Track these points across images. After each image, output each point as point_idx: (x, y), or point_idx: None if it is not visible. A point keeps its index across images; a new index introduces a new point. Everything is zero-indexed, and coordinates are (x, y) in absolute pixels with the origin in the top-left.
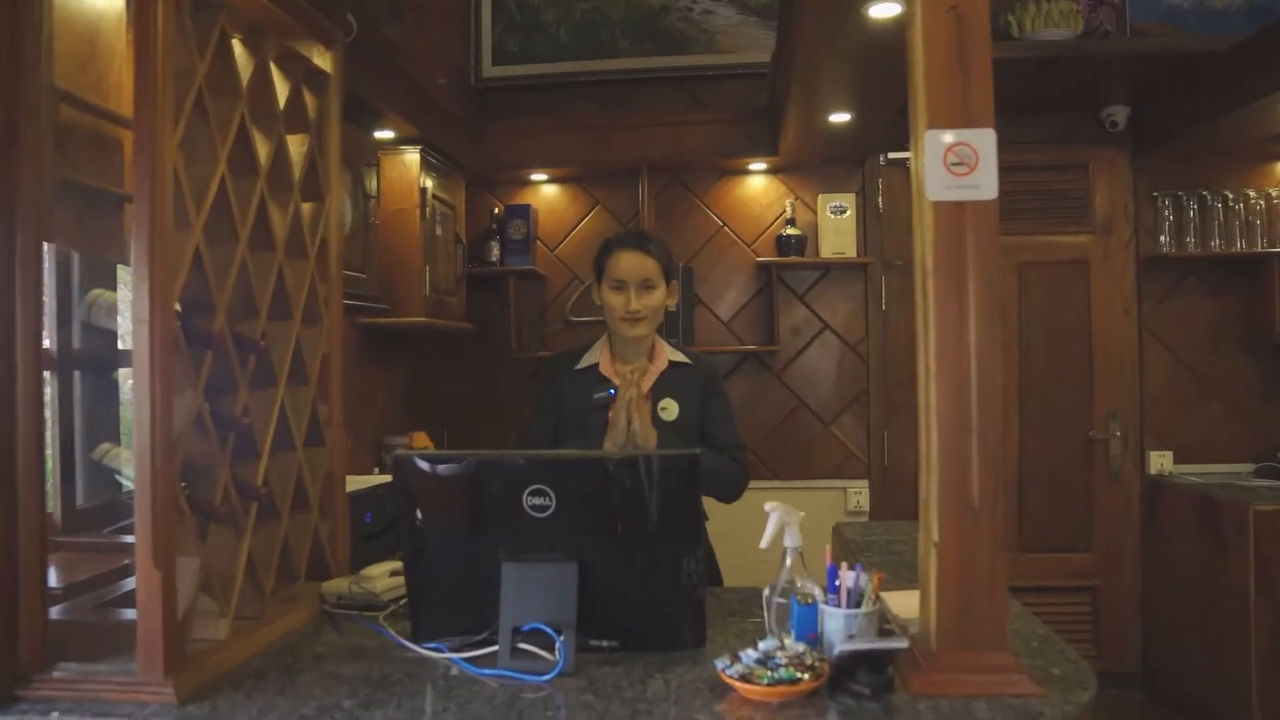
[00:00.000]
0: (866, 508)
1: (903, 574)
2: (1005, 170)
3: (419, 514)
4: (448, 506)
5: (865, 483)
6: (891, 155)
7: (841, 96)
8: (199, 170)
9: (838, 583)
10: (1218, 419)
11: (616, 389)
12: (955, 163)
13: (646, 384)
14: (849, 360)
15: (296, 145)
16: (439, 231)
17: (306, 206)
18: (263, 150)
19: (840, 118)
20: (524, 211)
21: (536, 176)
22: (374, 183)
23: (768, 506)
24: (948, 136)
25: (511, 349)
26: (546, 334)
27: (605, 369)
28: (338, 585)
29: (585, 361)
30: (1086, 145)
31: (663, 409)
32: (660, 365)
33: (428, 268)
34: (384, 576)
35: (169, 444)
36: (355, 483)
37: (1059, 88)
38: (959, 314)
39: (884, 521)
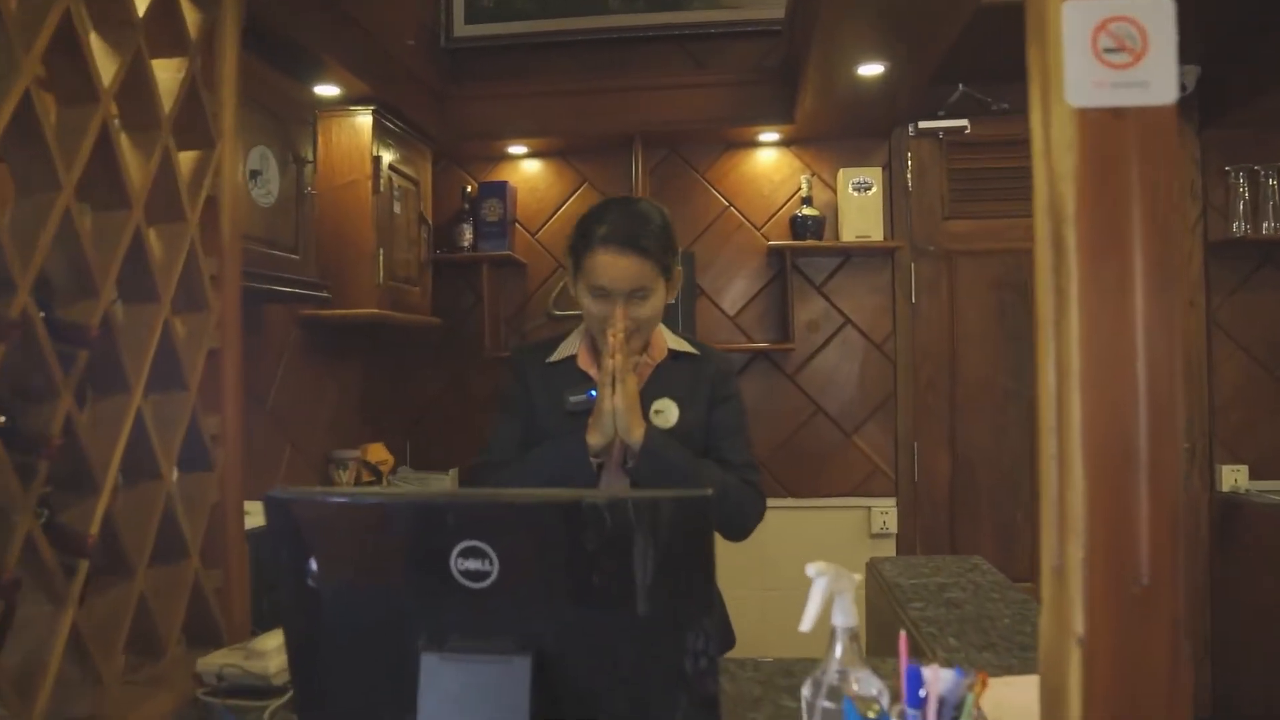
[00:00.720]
0: (894, 529)
1: (968, 637)
2: None
3: (313, 569)
4: (339, 571)
5: (893, 501)
6: (922, 124)
7: (873, 41)
8: None
9: (923, 692)
10: None
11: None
12: (1111, 48)
13: (639, 379)
14: (874, 360)
15: (169, 71)
16: (397, 210)
17: (187, 156)
18: (106, 69)
19: (871, 70)
20: (500, 189)
21: (514, 150)
22: (309, 147)
23: (811, 570)
24: (1099, 9)
25: (485, 347)
26: (526, 330)
27: (584, 362)
28: (217, 661)
29: (560, 353)
30: None
31: (657, 413)
32: (657, 355)
33: (381, 251)
34: (281, 650)
35: None
36: None
37: None
38: (1120, 282)
39: (931, 557)
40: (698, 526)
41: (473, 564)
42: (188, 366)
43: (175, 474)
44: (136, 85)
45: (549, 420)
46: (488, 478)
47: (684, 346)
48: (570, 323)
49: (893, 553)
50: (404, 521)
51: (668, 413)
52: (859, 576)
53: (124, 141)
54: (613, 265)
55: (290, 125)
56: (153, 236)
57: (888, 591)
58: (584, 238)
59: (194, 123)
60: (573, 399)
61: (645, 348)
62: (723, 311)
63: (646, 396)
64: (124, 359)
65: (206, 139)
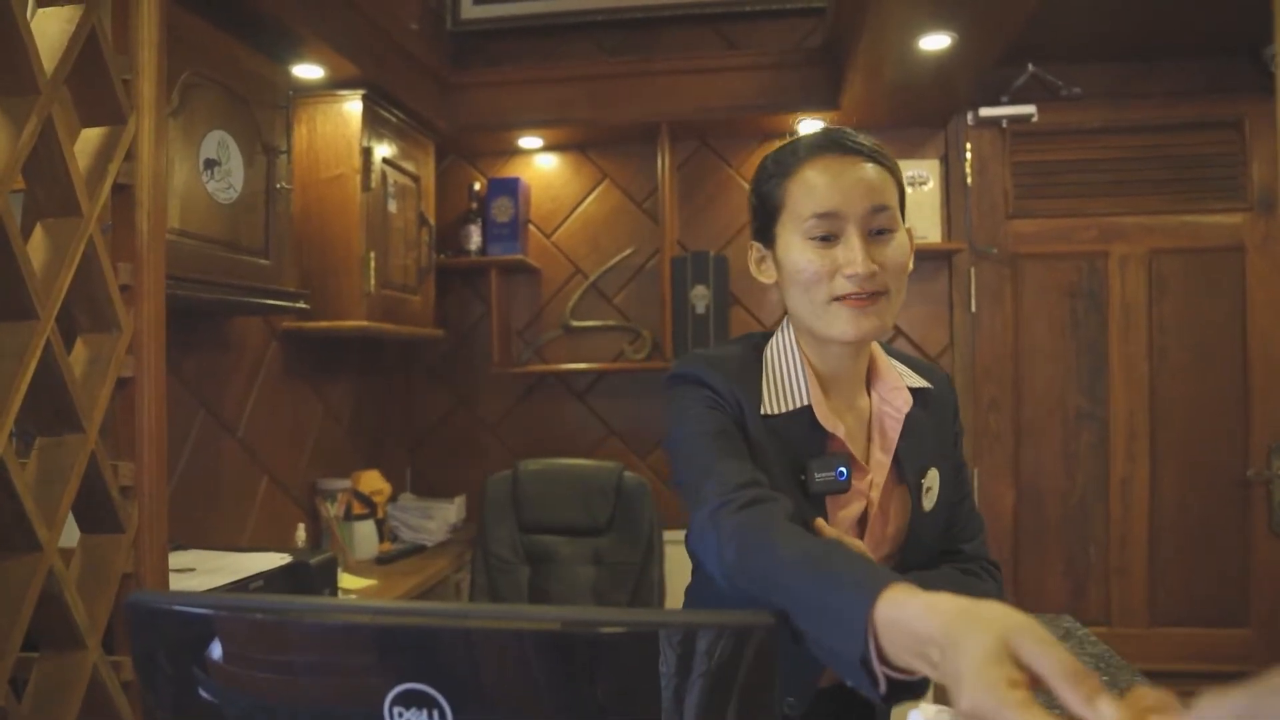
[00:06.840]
0: None
1: None
2: (1130, 131)
3: (202, 683)
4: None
5: None
6: (984, 112)
7: (940, 5)
8: None
9: None
10: None
11: (848, 468)
12: None
13: (889, 439)
14: None
15: (57, 22)
16: (393, 208)
17: (90, 134)
18: None
19: (935, 42)
20: (511, 187)
21: (527, 143)
22: (283, 135)
23: None
24: None
25: (494, 361)
26: (541, 343)
27: (824, 414)
28: None
29: (779, 399)
30: (1240, 95)
31: (928, 490)
32: (900, 400)
33: (373, 255)
34: None
35: None
36: (219, 570)
37: (1207, 18)
38: None
39: None
40: (761, 667)
41: (416, 716)
42: (83, 401)
43: (77, 536)
44: (2, 34)
45: None
46: (764, 511)
47: (916, 380)
48: (590, 335)
49: None
50: (310, 650)
51: (934, 488)
52: None
53: None
54: (839, 173)
55: (258, 109)
56: (37, 235)
57: None
58: (779, 166)
59: (96, 92)
60: (820, 476)
61: (869, 374)
62: (760, 323)
63: (910, 464)
64: None
65: (114, 113)
